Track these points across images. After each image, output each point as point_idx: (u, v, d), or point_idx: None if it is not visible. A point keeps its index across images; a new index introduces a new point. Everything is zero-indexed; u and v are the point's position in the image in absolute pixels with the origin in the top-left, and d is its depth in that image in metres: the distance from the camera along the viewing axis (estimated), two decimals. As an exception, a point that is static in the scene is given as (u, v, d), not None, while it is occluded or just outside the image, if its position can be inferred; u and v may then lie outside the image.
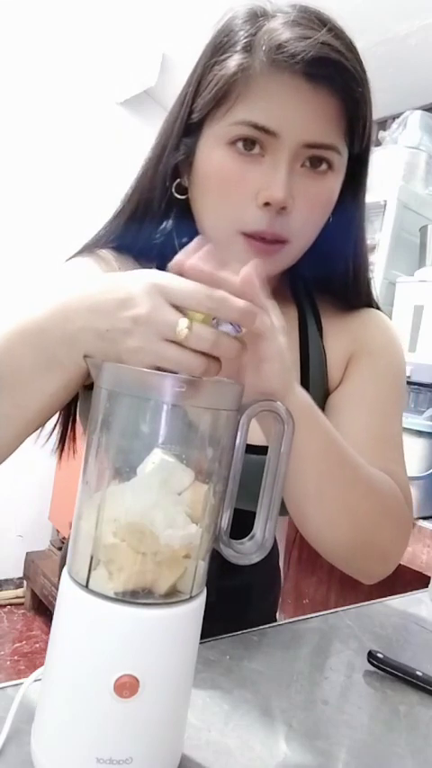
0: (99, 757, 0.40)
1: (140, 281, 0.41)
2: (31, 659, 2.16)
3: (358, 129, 0.56)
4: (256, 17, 0.54)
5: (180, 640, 0.43)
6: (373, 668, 0.67)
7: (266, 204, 0.53)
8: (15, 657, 2.18)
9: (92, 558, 0.42)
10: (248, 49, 0.52)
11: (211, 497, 0.44)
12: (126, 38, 2.34)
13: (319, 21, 0.52)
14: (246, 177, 0.53)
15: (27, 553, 2.57)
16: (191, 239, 0.48)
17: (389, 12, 1.75)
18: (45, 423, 0.53)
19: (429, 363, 1.58)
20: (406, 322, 1.65)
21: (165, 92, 2.61)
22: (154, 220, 0.63)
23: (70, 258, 0.67)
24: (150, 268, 0.64)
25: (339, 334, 0.69)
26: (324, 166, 0.55)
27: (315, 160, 0.54)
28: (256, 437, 0.52)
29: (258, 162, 0.54)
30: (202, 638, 0.43)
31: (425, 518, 1.41)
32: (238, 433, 0.46)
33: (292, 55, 0.49)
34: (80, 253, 0.67)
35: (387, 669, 0.66)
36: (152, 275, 0.41)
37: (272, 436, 0.48)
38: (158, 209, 0.63)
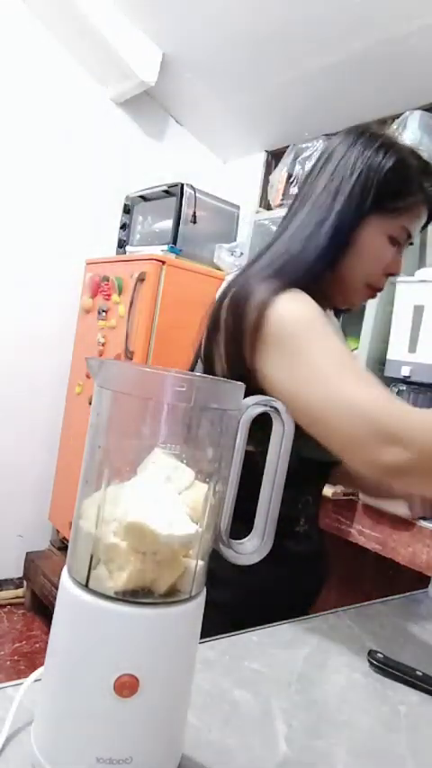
0: (99, 757, 0.40)
1: None
2: (31, 659, 2.16)
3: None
4: (407, 159, 0.83)
5: (180, 640, 0.43)
6: (373, 668, 0.67)
7: (390, 274, 0.87)
8: (15, 657, 2.18)
9: (92, 557, 0.42)
10: (419, 192, 0.83)
11: (211, 497, 0.44)
12: (126, 38, 2.34)
13: None
14: (386, 257, 0.85)
15: (27, 553, 2.57)
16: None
17: (389, 12, 1.75)
18: None
19: (429, 363, 1.58)
20: (406, 322, 1.65)
21: (165, 92, 2.61)
22: (319, 268, 0.84)
23: (280, 292, 0.78)
24: (301, 291, 0.81)
25: None
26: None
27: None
28: None
29: (393, 248, 0.85)
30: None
31: (425, 518, 1.41)
32: (238, 433, 0.46)
33: None
34: (284, 289, 0.79)
35: (387, 669, 0.66)
36: None
37: (272, 436, 0.48)
38: (326, 260, 0.84)
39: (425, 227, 0.90)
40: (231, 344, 0.79)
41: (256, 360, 0.75)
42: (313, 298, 0.82)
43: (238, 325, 0.77)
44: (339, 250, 0.83)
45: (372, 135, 0.84)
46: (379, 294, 0.96)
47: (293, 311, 0.75)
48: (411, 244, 0.88)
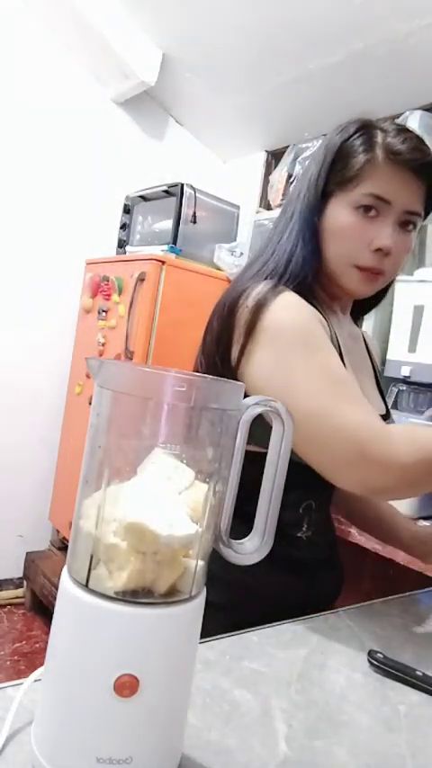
0: (99, 757, 0.40)
1: None
2: (31, 659, 2.16)
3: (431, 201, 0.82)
4: (372, 129, 0.79)
5: (180, 640, 0.43)
6: (373, 668, 0.67)
7: (378, 249, 0.78)
8: (15, 657, 2.18)
9: (92, 557, 0.42)
10: (373, 149, 0.77)
11: (211, 497, 0.44)
12: (126, 38, 2.34)
13: (413, 132, 0.79)
14: (364, 231, 0.78)
15: (27, 553, 2.57)
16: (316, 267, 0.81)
17: (389, 12, 1.75)
18: None
19: (429, 363, 1.58)
20: (406, 322, 1.65)
21: (165, 92, 2.61)
22: (308, 259, 0.82)
23: (274, 293, 0.77)
24: (296, 295, 0.80)
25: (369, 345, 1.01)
26: (411, 227, 0.81)
27: (405, 222, 0.79)
28: None
29: (373, 221, 0.78)
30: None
31: (425, 518, 1.41)
32: (238, 433, 0.46)
33: (403, 154, 0.76)
34: (277, 290, 0.77)
35: (387, 669, 0.66)
36: None
37: (272, 436, 0.48)
38: (311, 251, 0.82)
39: (427, 213, 0.82)
40: (216, 346, 0.78)
41: (243, 362, 0.75)
42: (317, 298, 0.82)
43: (226, 326, 0.77)
44: (312, 237, 0.81)
45: (350, 122, 0.81)
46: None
47: (288, 319, 0.74)
48: (416, 214, 0.79)
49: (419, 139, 0.79)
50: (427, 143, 0.80)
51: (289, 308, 0.75)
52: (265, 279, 0.79)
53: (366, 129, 0.79)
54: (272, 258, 0.81)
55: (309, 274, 0.80)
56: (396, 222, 0.78)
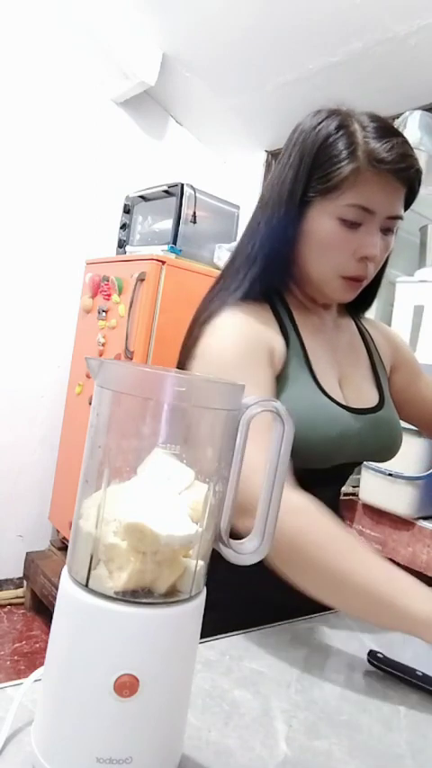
0: (99, 757, 0.40)
1: None
2: (31, 659, 2.16)
3: (410, 202, 0.80)
4: (350, 126, 0.74)
5: (180, 640, 0.43)
6: (373, 668, 0.67)
7: (363, 258, 0.76)
8: (15, 657, 2.18)
9: (92, 557, 0.42)
10: (355, 155, 0.72)
11: (211, 497, 0.44)
12: (126, 38, 2.34)
13: (395, 131, 0.76)
14: (348, 242, 0.76)
15: (27, 553, 2.57)
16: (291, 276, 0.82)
17: (389, 12, 1.75)
18: None
19: (429, 363, 1.58)
20: (406, 322, 1.65)
21: (165, 92, 2.61)
22: (277, 268, 0.81)
23: (219, 310, 0.79)
24: (267, 308, 0.82)
25: (373, 333, 0.99)
26: (393, 229, 0.79)
27: (386, 228, 0.77)
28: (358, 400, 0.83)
29: (356, 230, 0.75)
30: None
31: (425, 518, 1.41)
32: (238, 433, 0.46)
33: (390, 163, 0.72)
34: (224, 305, 0.79)
35: (387, 669, 0.66)
36: None
37: (272, 436, 0.48)
38: (283, 260, 0.81)
39: (408, 204, 0.79)
40: (179, 364, 0.83)
41: None
42: (293, 300, 0.84)
43: (182, 347, 0.83)
44: (286, 247, 0.78)
45: (323, 117, 0.76)
46: (379, 294, 0.94)
47: (215, 346, 0.76)
48: (398, 218, 0.77)
49: (403, 142, 0.74)
50: (427, 143, 0.79)
51: (222, 332, 0.77)
52: (231, 290, 0.81)
53: (345, 126, 0.74)
54: (241, 271, 0.81)
55: (279, 285, 0.82)
56: (380, 229, 0.76)
